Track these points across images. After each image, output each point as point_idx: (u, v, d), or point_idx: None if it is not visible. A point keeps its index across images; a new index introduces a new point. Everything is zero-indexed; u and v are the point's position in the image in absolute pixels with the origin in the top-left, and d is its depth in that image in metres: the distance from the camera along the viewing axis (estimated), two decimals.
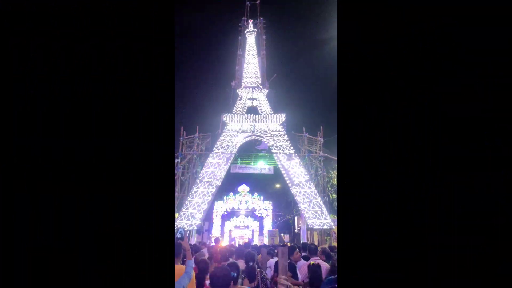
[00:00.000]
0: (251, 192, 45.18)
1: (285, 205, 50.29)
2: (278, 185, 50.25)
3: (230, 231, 45.00)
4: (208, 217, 45.41)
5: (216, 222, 43.03)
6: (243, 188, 45.35)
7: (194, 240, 32.21)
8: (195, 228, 33.34)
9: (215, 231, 42.09)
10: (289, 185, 37.12)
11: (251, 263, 6.37)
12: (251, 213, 45.24)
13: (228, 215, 45.30)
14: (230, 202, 43.91)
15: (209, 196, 35.20)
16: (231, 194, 44.48)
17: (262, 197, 44.74)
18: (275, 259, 8.48)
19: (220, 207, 43.50)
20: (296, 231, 44.81)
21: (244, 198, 43.98)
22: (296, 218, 42.37)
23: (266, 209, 44.02)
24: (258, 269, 6.62)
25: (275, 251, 11.00)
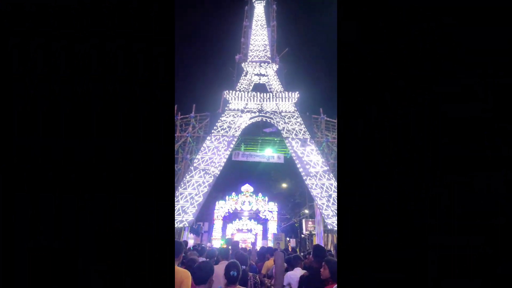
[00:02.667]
0: (255, 192, 45.81)
1: (292, 207, 50.32)
2: (284, 185, 50.44)
3: (232, 234, 45.88)
4: (208, 217, 46.26)
5: (217, 223, 43.64)
6: (247, 188, 45.57)
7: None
8: (187, 225, 31.75)
9: (216, 233, 43.07)
10: (304, 176, 35.13)
11: (243, 267, 6.28)
12: (255, 215, 45.87)
13: (230, 217, 45.90)
14: (232, 202, 44.55)
15: (205, 186, 33.41)
16: (233, 194, 44.77)
17: (266, 198, 44.81)
18: (297, 271, 7.44)
19: (222, 208, 44.21)
20: (302, 235, 44.97)
21: (247, 199, 44.30)
22: (303, 221, 41.91)
23: (271, 211, 44.00)
24: (251, 274, 6.97)
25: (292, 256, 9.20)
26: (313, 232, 39.91)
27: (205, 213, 48.45)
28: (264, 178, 54.37)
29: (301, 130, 36.70)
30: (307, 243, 41.09)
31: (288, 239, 43.30)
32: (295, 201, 49.69)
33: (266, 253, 12.35)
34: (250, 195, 45.96)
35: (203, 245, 19.08)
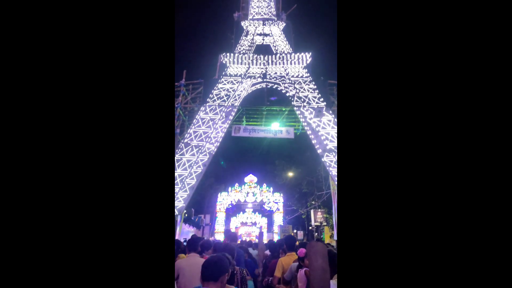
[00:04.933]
0: (259, 183, 47.09)
1: (298, 197, 51.92)
2: (290, 174, 51.07)
3: (236, 228, 46.97)
4: (210, 210, 47.08)
5: (220, 216, 44.71)
6: (250, 178, 47.02)
7: (177, 233, 28.84)
8: (176, 213, 30.10)
9: (219, 226, 44.02)
10: (319, 151, 33.88)
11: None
12: (259, 207, 46.64)
13: (233, 209, 46.96)
14: (235, 194, 45.97)
15: (199, 166, 32.36)
16: (236, 185, 46.47)
17: (271, 189, 46.88)
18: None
19: (224, 200, 45.27)
20: (310, 228, 45.40)
21: (251, 190, 46.16)
22: (312, 212, 43.07)
23: (276, 202, 46.10)
24: (237, 268, 6.89)
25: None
26: (323, 224, 40.39)
27: (207, 205, 49.67)
28: (268, 167, 55.44)
29: (315, 97, 35.27)
30: (315, 235, 41.82)
31: (295, 231, 44.16)
32: (301, 191, 50.90)
33: (281, 245, 9.93)
34: (254, 186, 47.15)
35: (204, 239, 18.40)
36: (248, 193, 45.97)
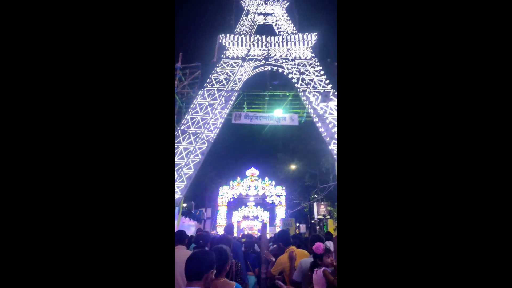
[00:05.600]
0: (261, 176, 47.83)
1: (300, 191, 52.61)
2: (292, 167, 51.54)
3: (238, 222, 47.66)
4: (211, 204, 47.69)
5: (222, 210, 45.88)
6: (252, 171, 47.84)
7: (175, 225, 27.14)
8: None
9: (221, 220, 44.35)
10: (327, 140, 32.65)
11: None
12: (261, 201, 47.02)
13: (235, 202, 47.50)
14: (237, 187, 46.81)
15: (197, 155, 31.64)
16: (238, 178, 47.35)
17: (273, 182, 47.69)
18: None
19: (226, 193, 46.18)
20: (312, 221, 45.76)
21: (253, 183, 47.10)
22: (315, 205, 42.97)
23: (278, 196, 46.95)
24: (234, 260, 6.81)
25: None
26: (327, 217, 40.24)
27: (208, 199, 50.27)
28: (270, 161, 56.56)
29: (321, 81, 34.57)
30: (318, 228, 42.12)
31: (297, 224, 44.54)
32: (304, 184, 51.70)
33: (279, 240, 9.12)
34: (255, 179, 48.29)
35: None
36: (250, 186, 46.55)
